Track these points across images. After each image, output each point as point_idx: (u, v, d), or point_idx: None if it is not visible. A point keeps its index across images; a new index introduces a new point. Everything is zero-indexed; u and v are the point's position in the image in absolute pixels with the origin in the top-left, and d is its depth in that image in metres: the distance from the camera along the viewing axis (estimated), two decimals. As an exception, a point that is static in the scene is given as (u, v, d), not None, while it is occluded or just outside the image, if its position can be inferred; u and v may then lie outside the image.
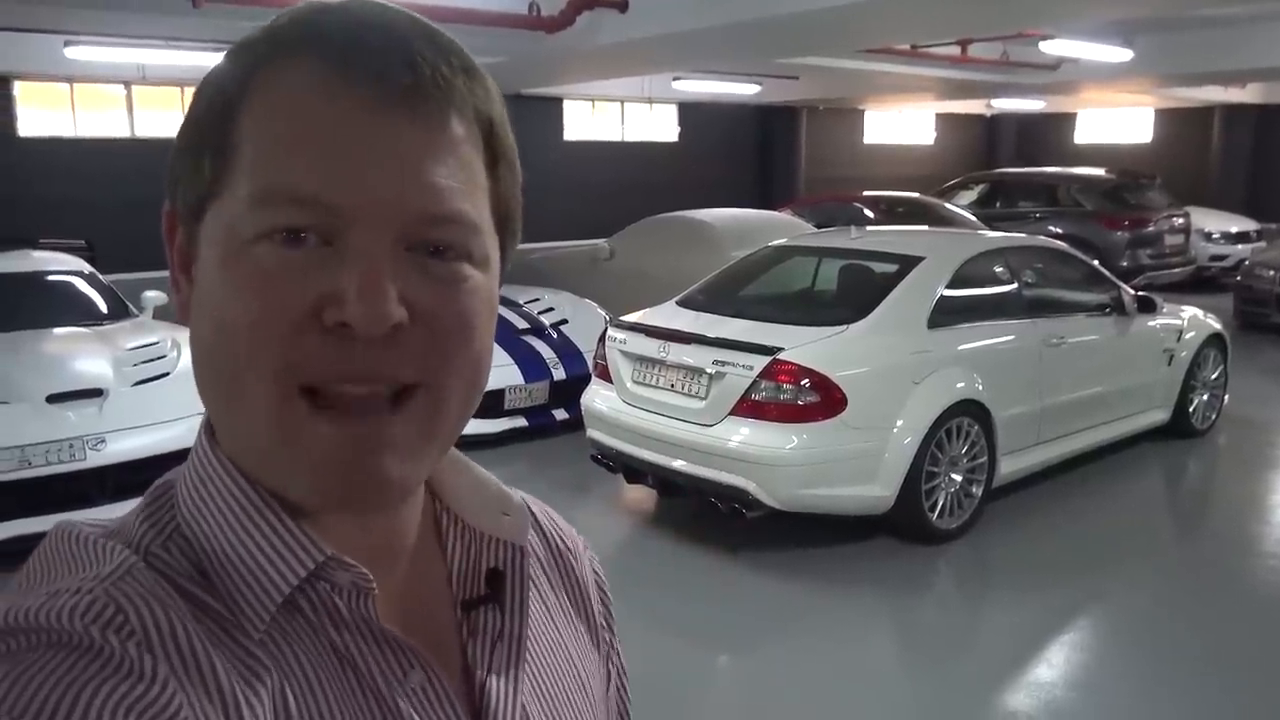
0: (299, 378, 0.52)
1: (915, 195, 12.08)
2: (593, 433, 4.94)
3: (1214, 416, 6.34)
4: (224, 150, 0.53)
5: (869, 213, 10.96)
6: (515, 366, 6.20)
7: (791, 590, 4.18)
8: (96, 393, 4.64)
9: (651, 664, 3.56)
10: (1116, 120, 19.52)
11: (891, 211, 11.02)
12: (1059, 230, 11.37)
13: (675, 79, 11.85)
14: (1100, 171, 12.67)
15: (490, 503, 0.66)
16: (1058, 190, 12.08)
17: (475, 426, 6.01)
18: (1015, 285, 5.16)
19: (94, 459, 4.41)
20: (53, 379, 4.71)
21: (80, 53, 7.50)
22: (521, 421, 6.19)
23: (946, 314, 4.63)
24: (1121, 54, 9.58)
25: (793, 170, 17.22)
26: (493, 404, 6.05)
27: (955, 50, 9.67)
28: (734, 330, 4.44)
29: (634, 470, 4.68)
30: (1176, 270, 11.63)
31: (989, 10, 6.50)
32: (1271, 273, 9.77)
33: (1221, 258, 12.52)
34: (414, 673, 0.58)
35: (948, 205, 11.57)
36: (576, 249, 9.80)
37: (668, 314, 4.97)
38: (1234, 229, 12.88)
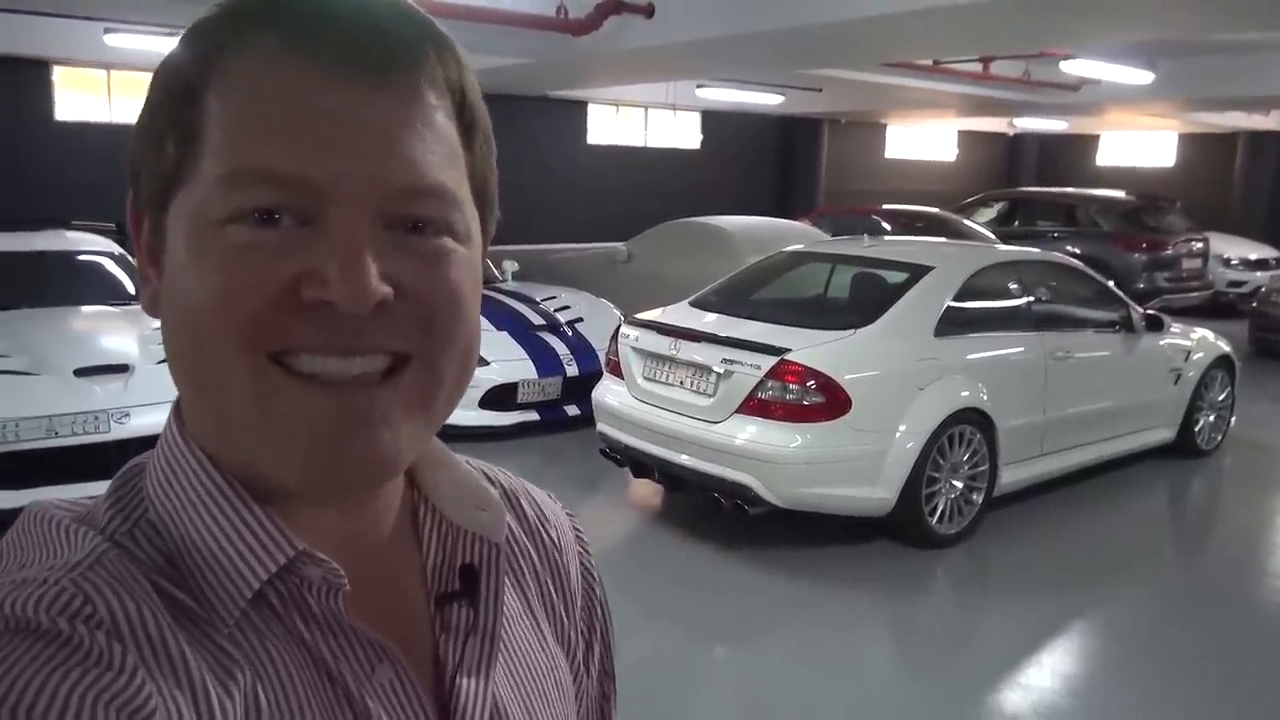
0: (272, 345, 0.51)
1: (934, 210, 12.16)
2: (602, 427, 5.04)
3: (1220, 438, 6.38)
4: (188, 134, 0.52)
5: (886, 226, 11.05)
6: (529, 361, 6.31)
7: (790, 587, 4.26)
8: (123, 368, 4.78)
9: (650, 652, 3.66)
10: (1139, 144, 19.50)
11: (909, 225, 11.10)
12: (1076, 250, 11.42)
13: (699, 86, 11.97)
14: (1120, 194, 12.70)
15: (468, 497, 0.64)
16: (1077, 210, 12.12)
17: (488, 419, 6.14)
18: (1024, 298, 5.23)
19: (118, 431, 4.55)
20: (81, 354, 4.86)
21: (119, 40, 7.68)
22: (534, 415, 6.30)
23: (954, 323, 4.72)
24: (1143, 76, 9.62)
25: (813, 181, 17.31)
26: (506, 397, 6.17)
27: (977, 67, 9.73)
28: (744, 331, 4.54)
29: (641, 465, 4.78)
30: (1193, 295, 11.64)
31: (1012, 28, 6.57)
32: (1287, 300, 9.78)
33: (1240, 284, 12.51)
34: (382, 668, 0.57)
35: (965, 221, 11.64)
36: (596, 251, 9.92)
37: (681, 314, 5.08)
38: (1254, 256, 12.87)
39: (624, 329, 5.04)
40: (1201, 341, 6.25)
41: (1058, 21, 6.27)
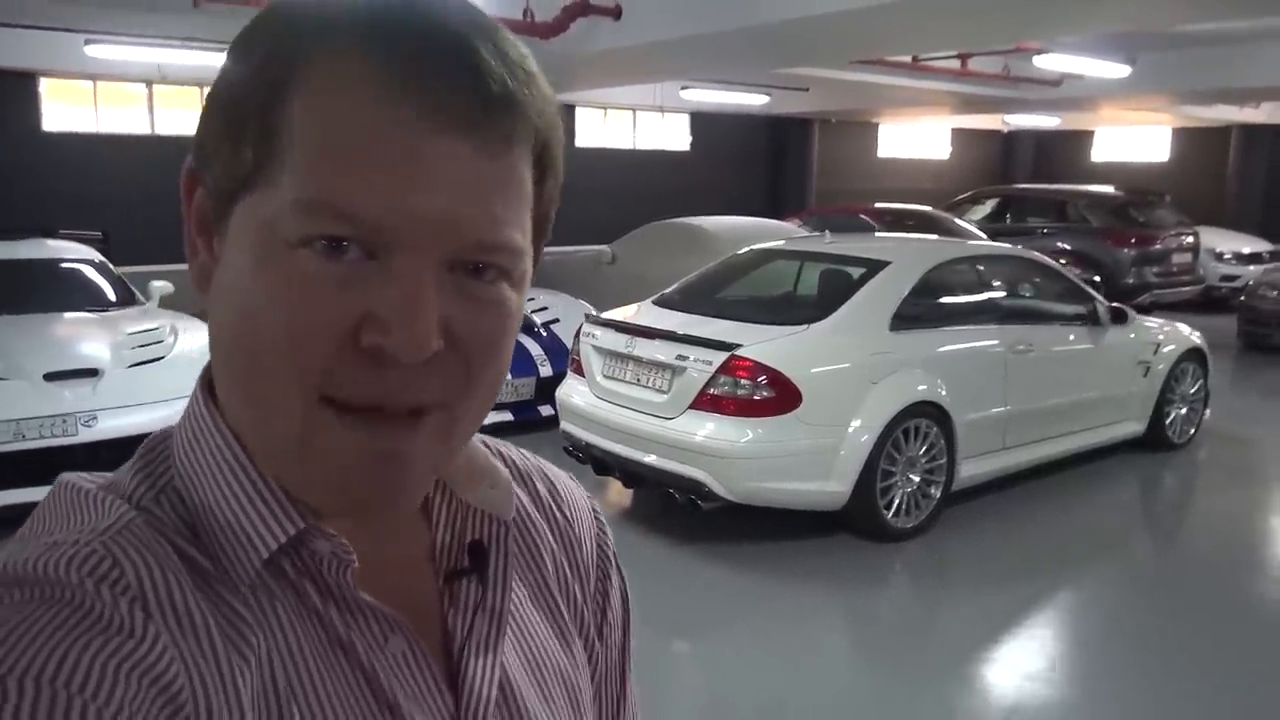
0: (326, 391, 0.52)
1: (924, 208, 12.17)
2: (565, 425, 5.09)
3: (1193, 431, 6.37)
4: (268, 140, 0.51)
5: (873, 224, 11.07)
6: (502, 362, 6.38)
7: (748, 581, 4.29)
8: (92, 372, 4.85)
9: None
10: (1133, 139, 19.46)
11: (899, 224, 11.12)
12: (1066, 246, 11.42)
13: (683, 88, 12.02)
14: (1109, 189, 12.69)
15: (478, 475, 0.65)
16: (1067, 206, 12.12)
17: (461, 419, 6.20)
18: (984, 293, 5.26)
19: (85, 434, 4.62)
20: (52, 358, 4.94)
21: (99, 51, 7.78)
22: (508, 415, 6.35)
23: (910, 318, 4.74)
24: (1119, 70, 9.62)
25: (805, 181, 17.34)
26: (479, 398, 6.24)
27: (956, 64, 9.75)
28: (698, 327, 4.58)
29: (602, 463, 4.82)
30: (1184, 289, 11.62)
31: (981, 22, 6.59)
32: (1275, 293, 9.76)
33: (1233, 278, 12.45)
34: (394, 639, 0.59)
35: (955, 219, 11.65)
36: (581, 253, 9.99)
37: (641, 312, 5.13)
38: (1246, 250, 12.83)
39: (585, 327, 5.09)
40: (1171, 334, 6.25)
41: (1033, 14, 6.28)
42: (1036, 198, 13.17)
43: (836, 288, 4.94)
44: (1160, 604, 4.26)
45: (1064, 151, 20.15)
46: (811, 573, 4.40)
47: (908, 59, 9.27)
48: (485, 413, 0.58)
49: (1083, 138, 19.96)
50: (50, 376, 4.77)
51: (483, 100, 0.50)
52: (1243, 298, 10.29)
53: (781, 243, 6.04)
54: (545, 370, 6.46)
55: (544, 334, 6.78)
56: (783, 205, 15.47)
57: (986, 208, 13.36)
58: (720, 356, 4.27)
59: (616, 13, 6.61)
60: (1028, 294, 5.62)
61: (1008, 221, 12.78)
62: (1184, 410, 6.29)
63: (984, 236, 10.80)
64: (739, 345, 4.28)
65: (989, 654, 3.75)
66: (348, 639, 0.57)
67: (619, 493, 5.25)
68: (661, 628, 3.99)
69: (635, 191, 14.84)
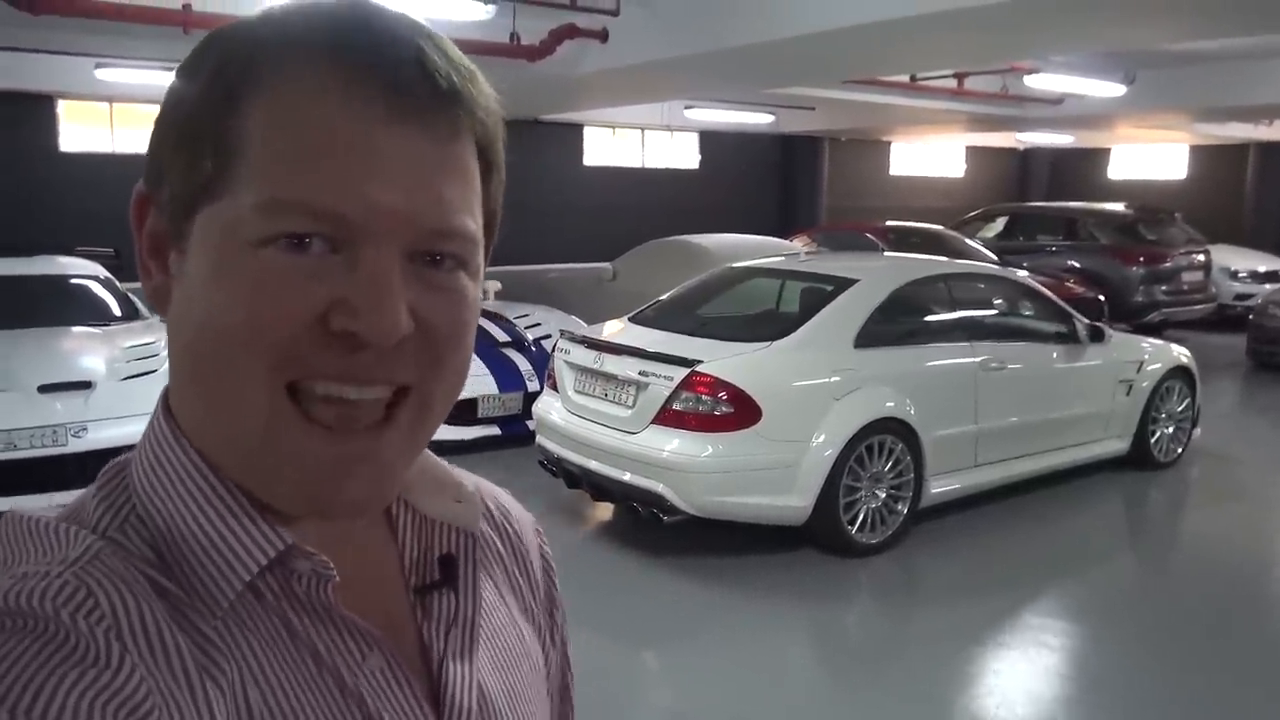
0: (295, 374, 0.52)
1: (931, 226, 12.16)
2: (541, 440, 5.18)
3: (1180, 449, 6.34)
4: (225, 148, 0.52)
5: (876, 242, 11.09)
6: (491, 377, 6.48)
7: (713, 594, 4.32)
8: (85, 385, 5.01)
9: (576, 656, 3.76)
10: (1150, 156, 19.33)
11: (905, 242, 11.14)
12: (1074, 263, 11.39)
13: (687, 107, 12.14)
14: (1119, 206, 12.62)
15: (442, 490, 0.67)
16: (1076, 224, 12.07)
17: (449, 433, 6.28)
18: (955, 310, 5.29)
19: (75, 445, 4.78)
20: (46, 371, 5.10)
21: (109, 74, 8.05)
22: (495, 430, 6.46)
23: (876, 335, 4.79)
24: (1114, 89, 9.61)
25: (815, 199, 17.40)
26: (467, 412, 6.34)
27: (953, 83, 9.79)
28: (662, 344, 4.66)
29: (573, 476, 4.91)
30: (1195, 308, 11.52)
31: (970, 41, 6.65)
32: (1284, 312, 9.66)
33: (1247, 297, 12.29)
34: (372, 656, 0.59)
35: (963, 238, 11.64)
36: (583, 270, 10.11)
37: (615, 328, 5.22)
38: (1262, 268, 12.69)
39: (560, 343, 5.19)
40: (1157, 352, 6.24)
41: (1015, 33, 6.33)
42: (1046, 215, 13.14)
43: (807, 305, 5.01)
44: (1131, 621, 4.25)
45: (1080, 169, 20.07)
46: (775, 586, 4.44)
47: (905, 78, 9.31)
48: (452, 401, 0.59)
49: (1099, 155, 19.87)
50: (44, 389, 4.93)
51: (431, 92, 0.53)
52: (1251, 316, 10.19)
53: (757, 261, 6.10)
54: (533, 385, 6.55)
55: (534, 349, 6.87)
56: (793, 223, 15.54)
57: (997, 226, 13.34)
58: (681, 372, 4.35)
59: (604, 35, 6.74)
60: (1002, 312, 5.64)
61: (1020, 240, 12.76)
62: (1170, 429, 6.26)
63: (992, 255, 10.81)
64: (699, 361, 4.36)
65: (954, 669, 3.75)
66: (329, 658, 0.57)
67: (592, 506, 5.32)
68: (628, 639, 4.05)
69: (644, 209, 14.99)
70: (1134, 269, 11.15)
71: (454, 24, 6.04)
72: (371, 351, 0.52)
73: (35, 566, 0.50)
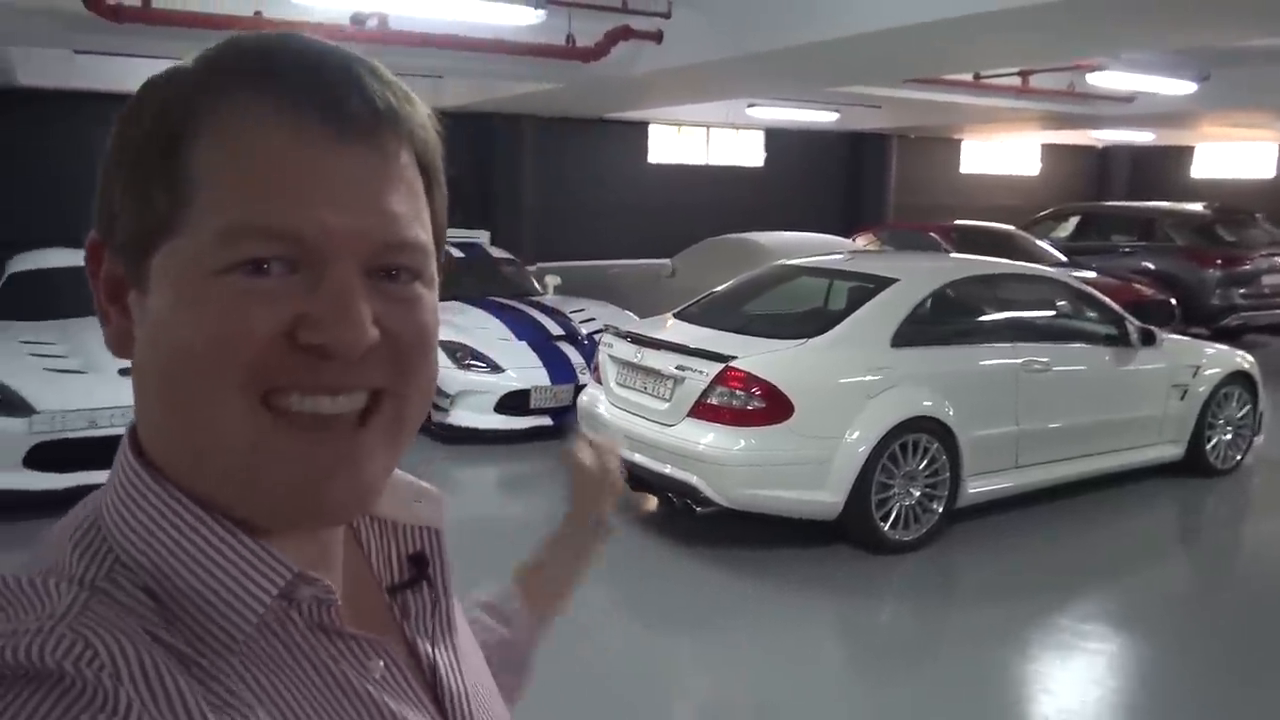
0: (267, 384, 0.53)
1: (999, 226, 11.95)
2: (584, 431, 5.33)
3: (1239, 457, 6.19)
4: (177, 187, 0.53)
5: (943, 243, 10.97)
6: (544, 369, 6.67)
7: (746, 585, 4.40)
8: (161, 369, 5.36)
9: (616, 643, 3.89)
10: (1237, 154, 18.61)
11: (971, 241, 10.99)
12: (1148, 265, 11.09)
13: (750, 105, 12.17)
14: (1197, 207, 12.23)
15: (400, 492, 0.69)
16: (1152, 225, 11.74)
17: (503, 422, 6.53)
18: (998, 311, 5.27)
19: (150, 424, 5.13)
20: (127, 356, 5.47)
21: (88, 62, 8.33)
22: (547, 420, 6.66)
23: (915, 334, 4.82)
24: (1185, 86, 9.34)
25: (883, 197, 17.22)
26: (519, 403, 6.55)
27: (1017, 81, 9.64)
28: (703, 339, 4.77)
29: (614, 466, 5.04)
30: (1277, 312, 11.13)
31: (1035, 39, 6.57)
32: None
33: (1335, 302, 11.82)
34: (372, 662, 0.61)
35: (1032, 238, 11.42)
36: (642, 266, 10.25)
37: (658, 324, 5.35)
38: (1351, 272, 12.14)
39: (605, 338, 5.35)
40: (1215, 357, 6.10)
41: (1080, 30, 6.24)
42: (1120, 215, 12.80)
43: (850, 304, 5.06)
44: (1171, 627, 4.20)
45: (1161, 168, 19.43)
46: (807, 580, 4.51)
47: (968, 77, 9.21)
48: (427, 407, 0.61)
49: (1181, 153, 19.22)
50: (124, 371, 5.25)
51: (370, 113, 0.55)
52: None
53: (802, 260, 6.16)
54: (584, 378, 6.73)
55: (586, 343, 7.05)
56: (860, 221, 15.43)
57: (1069, 226, 13.04)
58: (716, 367, 4.46)
59: (658, 37, 6.85)
60: (1047, 314, 5.59)
61: (1094, 239, 12.46)
62: (1229, 435, 6.12)
63: (1061, 256, 10.60)
64: (734, 357, 4.46)
65: (987, 669, 3.76)
66: (338, 671, 0.59)
67: (633, 497, 5.45)
68: (660, 625, 4.18)
69: (709, 207, 15.05)
70: (1210, 271, 10.81)
71: (511, 28, 6.22)
72: (339, 362, 0.54)
73: (25, 623, 0.49)
